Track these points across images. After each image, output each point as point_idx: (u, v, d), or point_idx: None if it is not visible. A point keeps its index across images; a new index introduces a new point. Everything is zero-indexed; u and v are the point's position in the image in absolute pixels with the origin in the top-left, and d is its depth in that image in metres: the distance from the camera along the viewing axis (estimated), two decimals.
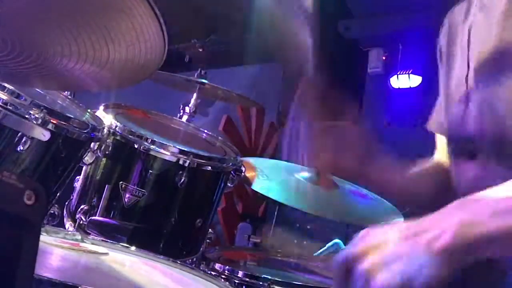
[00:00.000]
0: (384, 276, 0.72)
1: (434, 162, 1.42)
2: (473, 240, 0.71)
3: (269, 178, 1.97)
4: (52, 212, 1.57)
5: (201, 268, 1.47)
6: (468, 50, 1.14)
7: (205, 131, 2.01)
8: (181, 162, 1.65)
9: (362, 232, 0.80)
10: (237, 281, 1.47)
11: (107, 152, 1.61)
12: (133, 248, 1.32)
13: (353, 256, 0.75)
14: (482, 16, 1.13)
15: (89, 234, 1.53)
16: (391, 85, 4.88)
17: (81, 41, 0.72)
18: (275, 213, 4.52)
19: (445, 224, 0.73)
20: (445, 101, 1.25)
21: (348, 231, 3.84)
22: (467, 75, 1.13)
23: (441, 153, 1.39)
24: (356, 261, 0.75)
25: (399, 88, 4.84)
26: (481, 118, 1.08)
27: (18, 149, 1.33)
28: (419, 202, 1.38)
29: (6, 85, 1.29)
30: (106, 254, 1.24)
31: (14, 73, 0.88)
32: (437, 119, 1.35)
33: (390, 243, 0.75)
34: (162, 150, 1.65)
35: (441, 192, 1.31)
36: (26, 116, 1.32)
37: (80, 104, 1.64)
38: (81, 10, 0.68)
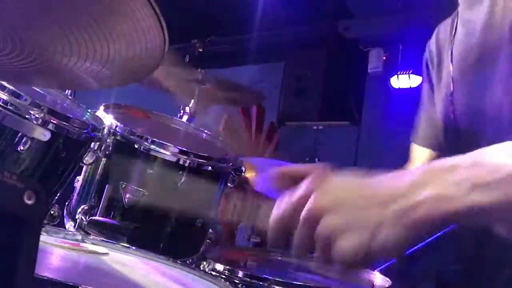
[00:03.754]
0: (346, 242, 0.71)
1: None
2: (446, 215, 0.69)
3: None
4: (52, 212, 1.57)
5: (201, 268, 1.47)
6: (452, 63, 1.16)
7: (205, 131, 2.01)
8: (181, 162, 1.65)
9: (318, 175, 0.79)
10: (237, 281, 1.47)
11: (107, 152, 1.62)
12: (133, 248, 1.32)
13: (314, 209, 0.74)
14: (464, 30, 1.14)
15: (90, 234, 1.53)
16: (391, 85, 4.88)
17: (82, 41, 0.72)
18: None
19: (418, 195, 0.70)
20: (441, 116, 1.26)
21: None
22: (449, 85, 1.15)
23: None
24: (316, 216, 0.74)
25: (399, 88, 4.84)
26: (467, 127, 1.09)
27: (18, 149, 1.33)
28: None
29: (6, 85, 1.30)
30: (106, 254, 1.24)
31: (14, 72, 0.88)
32: (422, 133, 1.37)
33: (355, 206, 0.73)
34: (162, 150, 1.65)
35: None
36: (26, 116, 1.32)
37: (81, 104, 1.65)
38: (82, 10, 0.68)
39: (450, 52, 1.18)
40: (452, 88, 1.15)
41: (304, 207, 0.75)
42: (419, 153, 1.37)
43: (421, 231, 0.71)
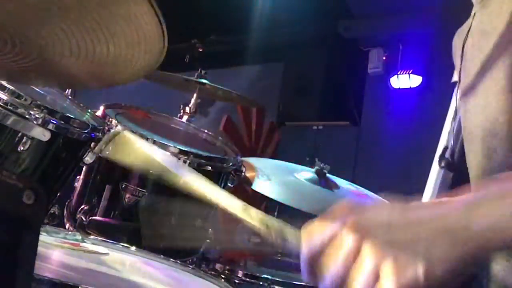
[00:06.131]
0: (398, 272, 0.64)
1: None
2: (501, 245, 0.68)
3: (269, 178, 1.97)
4: (52, 212, 1.57)
5: (201, 268, 1.47)
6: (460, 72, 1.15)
7: (205, 131, 2.01)
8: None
9: (352, 207, 0.70)
10: (237, 281, 1.47)
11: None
12: (133, 248, 1.32)
13: (353, 236, 0.67)
14: (479, 39, 1.13)
15: (89, 234, 1.53)
16: (391, 85, 4.88)
17: (83, 43, 0.72)
18: (275, 213, 4.52)
19: (471, 226, 0.65)
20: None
21: None
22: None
23: None
24: (357, 245, 0.66)
25: (399, 88, 4.83)
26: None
27: (19, 149, 1.33)
28: None
29: (6, 85, 1.29)
30: (106, 254, 1.24)
31: (14, 71, 0.88)
32: None
33: (399, 228, 0.67)
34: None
35: None
36: (27, 116, 1.32)
37: (81, 104, 1.64)
38: (85, 14, 0.69)
39: (461, 53, 1.17)
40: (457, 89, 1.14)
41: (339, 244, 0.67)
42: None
43: (475, 261, 0.68)
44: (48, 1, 0.67)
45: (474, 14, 1.16)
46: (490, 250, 0.68)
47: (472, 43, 1.14)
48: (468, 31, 1.16)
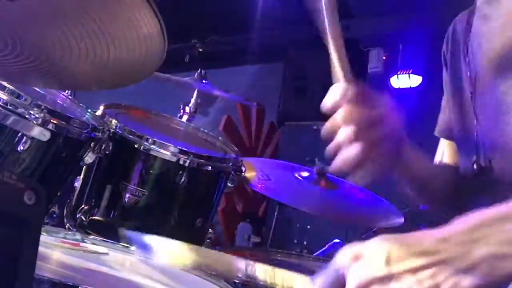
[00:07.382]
0: None
1: (443, 164, 1.33)
2: (505, 275, 0.66)
3: (269, 178, 1.97)
4: (52, 212, 1.57)
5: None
6: (469, 58, 1.13)
7: (205, 131, 2.01)
8: (181, 162, 1.65)
9: (352, 251, 0.71)
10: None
11: (107, 152, 1.61)
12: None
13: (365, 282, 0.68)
14: (482, 25, 1.12)
15: (89, 234, 1.53)
16: (391, 85, 4.88)
17: (83, 45, 0.72)
18: (275, 213, 4.52)
19: (473, 257, 0.66)
20: (453, 108, 1.24)
21: (348, 231, 3.84)
22: (470, 82, 1.12)
23: (448, 157, 1.34)
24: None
25: (399, 88, 4.83)
26: (490, 126, 1.06)
27: (19, 149, 1.33)
28: (434, 200, 1.30)
29: (6, 85, 1.30)
30: (106, 254, 1.24)
31: (14, 72, 0.89)
32: (443, 124, 1.33)
33: (397, 276, 0.66)
34: (162, 150, 1.65)
35: (451, 195, 1.25)
36: (27, 116, 1.32)
37: (81, 104, 1.65)
38: (86, 17, 0.69)
39: (465, 48, 1.15)
40: (472, 88, 1.12)
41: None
42: (441, 144, 1.35)
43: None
44: (49, 3, 0.67)
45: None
46: (495, 282, 0.67)
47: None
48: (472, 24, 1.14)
